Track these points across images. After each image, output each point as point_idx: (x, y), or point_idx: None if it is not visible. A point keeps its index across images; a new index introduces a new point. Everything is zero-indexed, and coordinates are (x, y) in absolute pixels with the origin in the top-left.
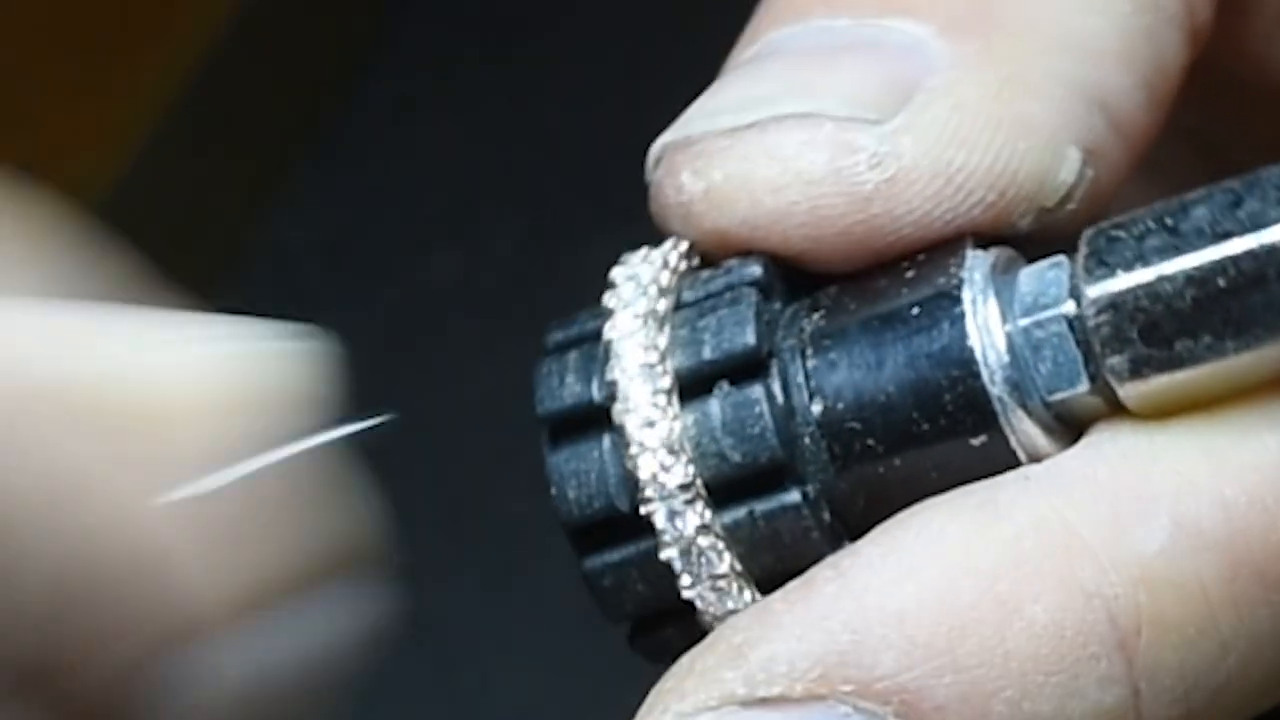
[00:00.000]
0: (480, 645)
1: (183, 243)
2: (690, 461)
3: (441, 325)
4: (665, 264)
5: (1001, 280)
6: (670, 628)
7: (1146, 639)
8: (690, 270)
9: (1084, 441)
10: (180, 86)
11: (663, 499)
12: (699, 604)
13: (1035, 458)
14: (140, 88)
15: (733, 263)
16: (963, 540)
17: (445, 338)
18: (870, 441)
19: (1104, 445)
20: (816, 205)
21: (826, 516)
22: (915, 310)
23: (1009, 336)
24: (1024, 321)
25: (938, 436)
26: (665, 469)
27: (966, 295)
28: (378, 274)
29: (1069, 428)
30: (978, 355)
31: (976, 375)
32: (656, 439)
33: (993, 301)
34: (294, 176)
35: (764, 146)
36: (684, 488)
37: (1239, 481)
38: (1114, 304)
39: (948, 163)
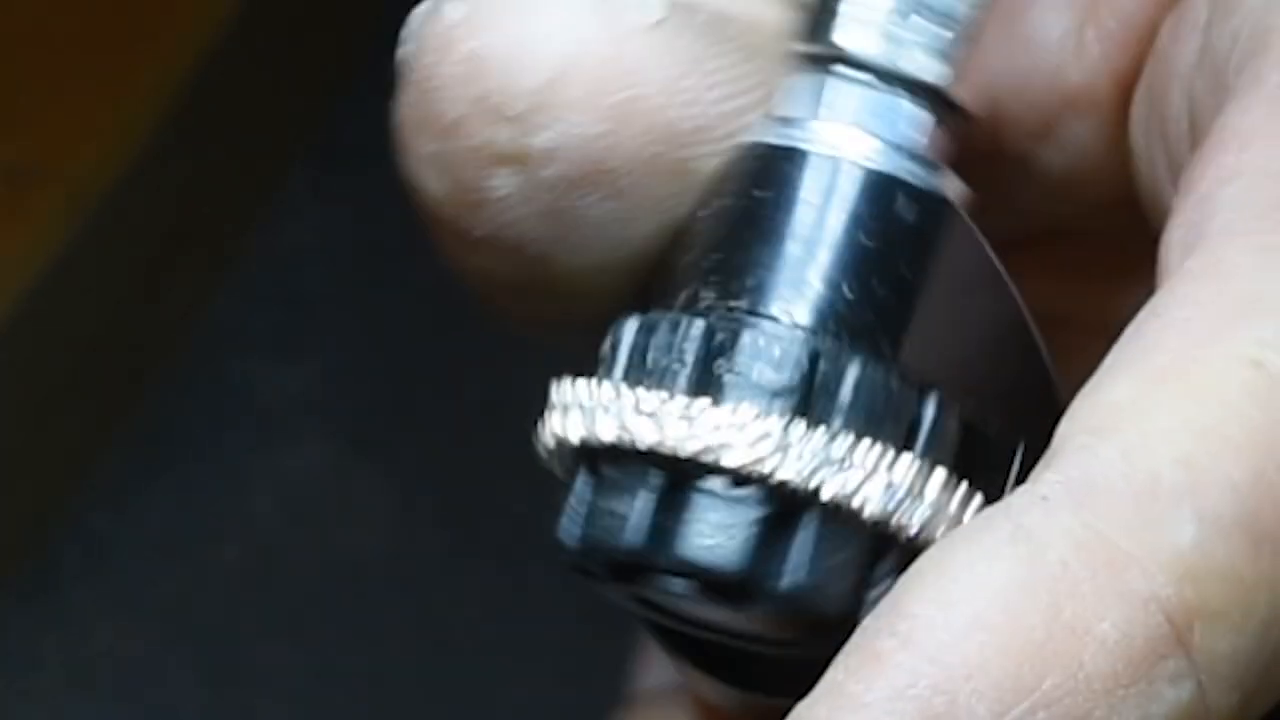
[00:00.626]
0: (480, 645)
1: (182, 242)
2: None
3: (442, 326)
4: None
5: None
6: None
7: (1200, 632)
8: None
9: (1077, 448)
10: (180, 86)
11: None
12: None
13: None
14: (140, 88)
15: None
16: (1014, 578)
17: (445, 338)
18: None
19: (1101, 449)
20: (580, 32)
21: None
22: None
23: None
24: None
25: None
26: None
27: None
28: (378, 274)
29: None
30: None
31: None
32: None
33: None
34: (294, 177)
35: None
36: None
37: (1238, 460)
38: None
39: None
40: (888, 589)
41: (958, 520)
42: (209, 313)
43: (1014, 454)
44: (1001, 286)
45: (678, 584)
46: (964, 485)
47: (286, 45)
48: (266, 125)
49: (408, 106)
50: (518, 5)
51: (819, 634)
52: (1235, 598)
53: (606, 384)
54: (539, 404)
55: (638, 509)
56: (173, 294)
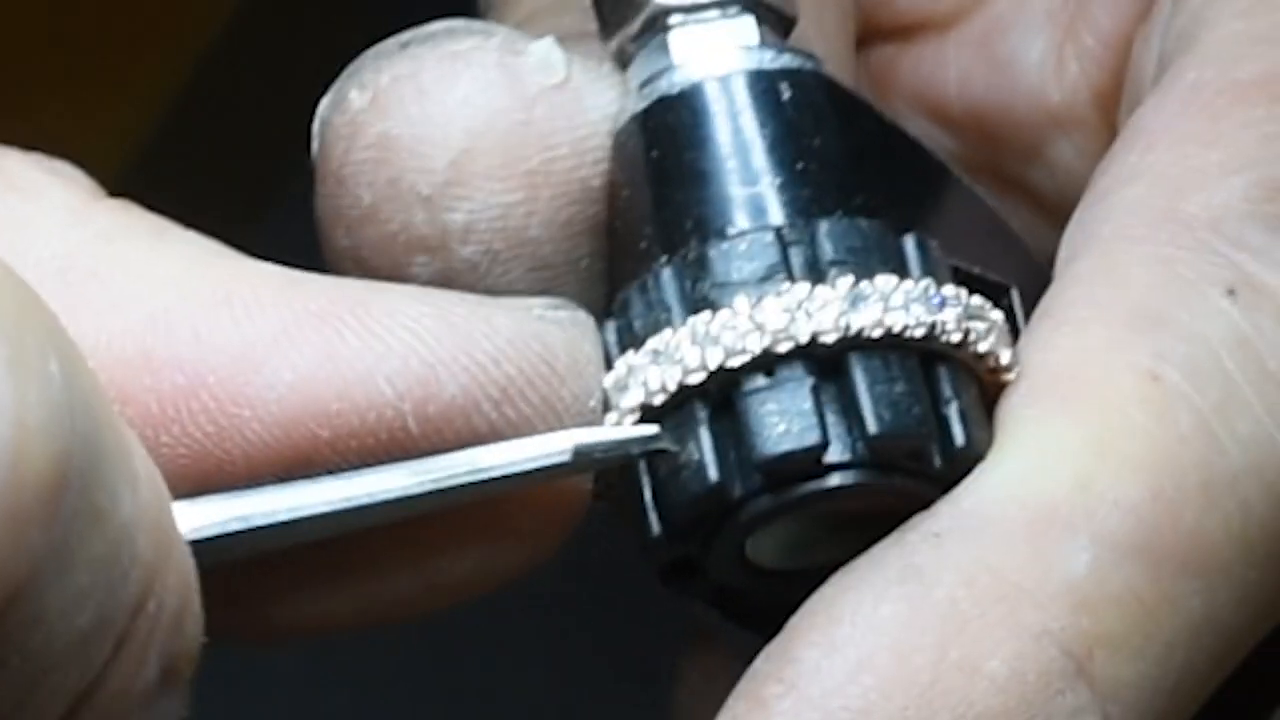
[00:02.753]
0: (480, 646)
1: None
2: None
3: None
4: None
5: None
6: None
7: (1100, 660)
8: None
9: (976, 476)
10: (180, 86)
11: None
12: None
13: None
14: (140, 88)
15: None
16: (901, 618)
17: None
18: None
19: (999, 476)
20: (487, 102)
21: None
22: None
23: None
24: None
25: None
26: None
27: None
28: None
29: None
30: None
31: None
32: None
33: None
34: (294, 176)
35: (435, 51)
36: None
37: (1135, 479)
38: None
39: (609, 101)
40: (965, 401)
41: (990, 322)
42: None
43: (1008, 296)
44: (908, 140)
45: (837, 477)
46: (985, 301)
47: (286, 45)
48: (266, 125)
49: (322, 198)
50: (421, 83)
51: (922, 464)
52: (1135, 623)
53: (620, 361)
54: None
55: (699, 444)
56: None
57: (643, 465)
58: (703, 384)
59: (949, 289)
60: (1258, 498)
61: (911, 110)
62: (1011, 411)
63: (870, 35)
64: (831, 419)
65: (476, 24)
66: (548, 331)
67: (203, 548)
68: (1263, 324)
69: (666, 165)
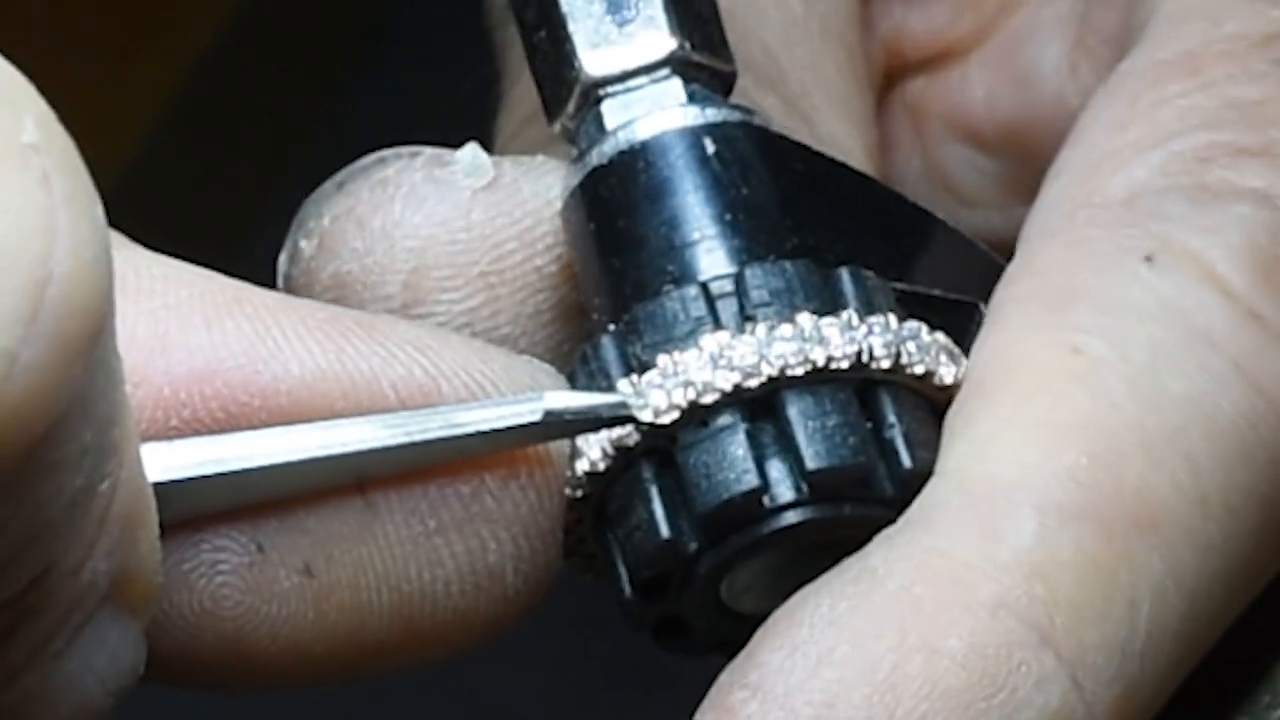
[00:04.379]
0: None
1: (182, 242)
2: None
3: None
4: None
5: None
6: None
7: (1063, 625)
8: None
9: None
10: (180, 86)
11: None
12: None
13: None
14: (140, 88)
15: None
16: (858, 611)
17: None
18: None
19: (940, 473)
20: (424, 218)
21: None
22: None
23: None
24: None
25: None
26: None
27: None
28: None
29: None
30: None
31: None
32: None
33: None
34: (294, 176)
35: (368, 182)
36: None
37: (1072, 445)
38: None
39: (547, 187)
40: (909, 424)
41: (927, 342)
42: None
43: (977, 312)
44: (855, 175)
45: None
46: (920, 324)
47: (287, 45)
48: (266, 125)
49: None
50: (358, 217)
51: (870, 491)
52: (1093, 584)
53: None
54: None
55: (648, 503)
56: None
57: (610, 533)
58: (641, 444)
59: (876, 317)
60: (1204, 452)
61: (949, 138)
62: (950, 417)
63: (899, 71)
64: (771, 461)
65: (404, 149)
66: (538, 370)
67: (178, 490)
68: (1184, 284)
69: (605, 234)
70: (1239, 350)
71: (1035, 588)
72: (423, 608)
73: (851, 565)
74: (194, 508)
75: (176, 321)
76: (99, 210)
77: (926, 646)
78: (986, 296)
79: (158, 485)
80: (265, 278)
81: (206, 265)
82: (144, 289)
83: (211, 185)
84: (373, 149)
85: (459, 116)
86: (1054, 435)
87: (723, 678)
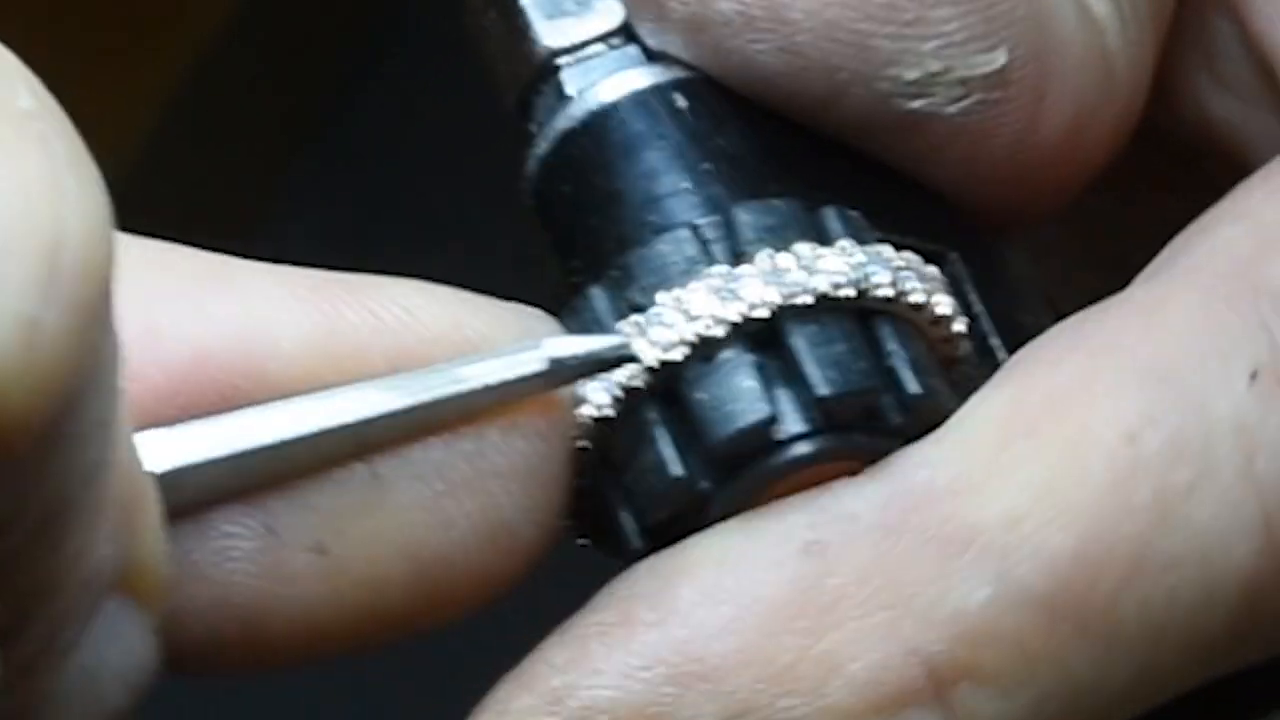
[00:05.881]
0: (479, 646)
1: (182, 242)
2: None
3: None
4: None
5: None
6: None
7: (964, 691)
8: None
9: (915, 464)
10: (180, 85)
11: None
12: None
13: None
14: (140, 88)
15: None
16: (784, 592)
17: None
18: None
19: (935, 482)
20: None
21: None
22: None
23: None
24: None
25: None
26: None
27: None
28: (377, 274)
29: None
30: None
31: None
32: None
33: None
34: (294, 176)
35: None
36: None
37: (1065, 532)
38: None
39: None
40: (912, 352)
41: (922, 273)
42: None
43: (947, 261)
44: (791, 126)
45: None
46: (908, 253)
47: (287, 44)
48: (267, 124)
49: None
50: None
51: (879, 421)
52: (1012, 667)
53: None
54: None
55: (655, 444)
56: None
57: (608, 479)
58: (647, 385)
59: (872, 247)
60: (1189, 590)
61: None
62: (981, 413)
63: None
64: (780, 391)
65: None
66: (529, 316)
67: (181, 477)
68: (1269, 420)
69: (580, 195)
70: (1276, 506)
71: (958, 650)
72: (439, 571)
73: (801, 526)
74: (199, 494)
75: (165, 310)
76: (97, 173)
77: (831, 660)
78: (957, 248)
79: (162, 473)
80: None
81: None
82: (129, 277)
83: (212, 185)
84: (373, 150)
85: (461, 116)
86: (1056, 515)
87: (642, 574)
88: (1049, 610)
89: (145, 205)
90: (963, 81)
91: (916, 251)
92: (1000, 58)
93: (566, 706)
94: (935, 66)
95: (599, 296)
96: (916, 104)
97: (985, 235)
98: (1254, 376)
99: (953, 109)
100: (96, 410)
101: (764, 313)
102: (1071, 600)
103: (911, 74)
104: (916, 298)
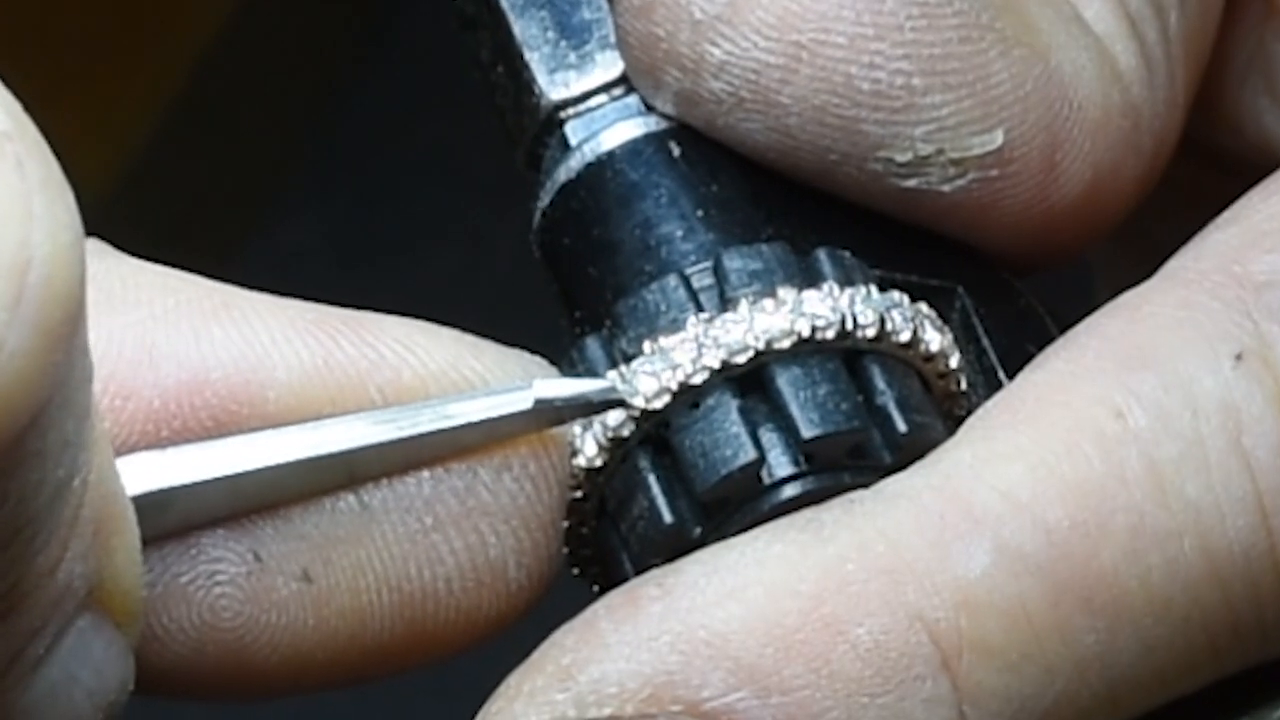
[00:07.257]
0: (480, 647)
1: (182, 242)
2: None
3: (442, 325)
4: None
5: None
6: None
7: (969, 662)
8: None
9: (917, 463)
10: (180, 86)
11: None
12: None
13: None
14: (140, 88)
15: None
16: (787, 562)
17: None
18: None
19: (932, 465)
20: None
21: None
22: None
23: None
24: None
25: None
26: None
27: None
28: (378, 274)
29: None
30: None
31: None
32: None
33: None
34: (294, 176)
35: None
36: None
37: (1062, 503)
38: None
39: None
40: (901, 391)
41: (910, 311)
42: None
43: (954, 296)
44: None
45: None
46: (902, 294)
47: (287, 45)
48: (266, 125)
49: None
50: None
51: (867, 459)
52: (1016, 638)
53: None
54: None
55: (648, 491)
56: None
57: (613, 529)
58: (637, 433)
59: (859, 288)
60: (1188, 562)
61: None
62: (978, 414)
63: None
64: (767, 434)
65: None
66: (530, 362)
67: (171, 498)
68: (1255, 396)
69: (580, 246)
70: (1270, 484)
71: (960, 618)
72: (424, 607)
73: (807, 513)
74: (188, 517)
75: (164, 332)
76: (71, 196)
77: (835, 624)
78: (963, 282)
79: (150, 494)
80: (265, 276)
81: (206, 264)
82: (130, 299)
83: (212, 185)
84: (373, 150)
85: (461, 116)
86: (1050, 486)
87: (654, 571)
88: (1051, 580)
89: (146, 205)
90: (956, 162)
91: (920, 288)
92: (998, 138)
93: (577, 682)
94: (926, 150)
95: (593, 346)
96: (911, 183)
97: (995, 267)
98: (1239, 358)
99: (948, 188)
100: (64, 430)
101: (746, 357)
102: (1074, 571)
103: (903, 157)
104: (904, 336)
